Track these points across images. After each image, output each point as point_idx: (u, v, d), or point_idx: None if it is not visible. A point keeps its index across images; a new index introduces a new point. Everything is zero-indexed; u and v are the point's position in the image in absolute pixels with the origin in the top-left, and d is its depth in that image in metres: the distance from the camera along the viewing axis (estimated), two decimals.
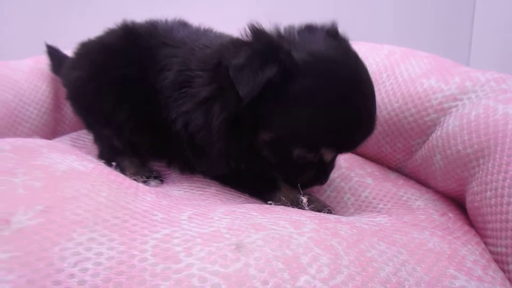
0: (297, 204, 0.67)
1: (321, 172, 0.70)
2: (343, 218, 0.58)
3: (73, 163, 0.59)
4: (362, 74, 0.64)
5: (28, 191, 0.48)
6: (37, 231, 0.42)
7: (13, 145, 0.61)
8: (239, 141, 0.66)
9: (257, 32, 0.64)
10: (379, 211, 0.72)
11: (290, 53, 0.60)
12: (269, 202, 0.69)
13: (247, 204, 0.64)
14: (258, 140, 0.66)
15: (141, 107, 0.79)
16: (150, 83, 0.75)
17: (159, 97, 0.74)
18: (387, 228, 0.56)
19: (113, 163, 0.81)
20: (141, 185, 0.62)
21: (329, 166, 0.71)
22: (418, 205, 0.74)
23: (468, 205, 0.69)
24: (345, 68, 0.63)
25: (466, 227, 0.67)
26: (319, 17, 0.72)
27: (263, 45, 0.61)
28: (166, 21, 0.86)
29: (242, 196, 0.75)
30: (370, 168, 0.87)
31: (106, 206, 0.48)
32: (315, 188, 0.80)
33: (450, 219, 0.69)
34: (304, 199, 0.65)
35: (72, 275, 0.37)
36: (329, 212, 0.68)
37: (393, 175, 0.87)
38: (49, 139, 1.04)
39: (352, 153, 0.95)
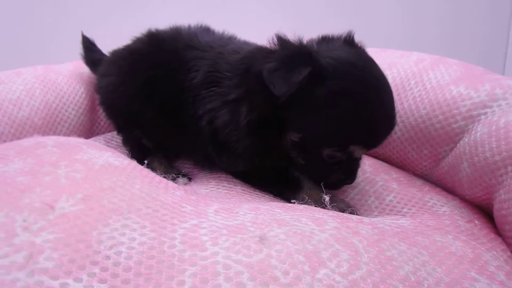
0: (320, 204, 0.69)
1: (348, 171, 0.73)
2: (365, 219, 0.59)
3: (109, 159, 0.63)
4: (381, 77, 0.70)
5: (70, 181, 0.52)
6: (78, 216, 0.46)
7: (56, 141, 0.66)
8: (265, 140, 0.69)
9: (283, 41, 0.71)
10: (403, 215, 0.73)
11: (318, 57, 0.64)
12: (293, 201, 0.71)
13: (271, 202, 0.66)
14: (286, 141, 0.69)
15: (166, 105, 0.84)
16: (176, 83, 0.81)
17: (186, 95, 0.79)
18: (409, 230, 0.57)
19: (145, 161, 0.86)
20: (170, 182, 0.65)
21: (356, 164, 0.74)
22: (444, 211, 0.73)
23: (496, 213, 0.69)
24: (367, 71, 0.68)
25: (492, 235, 0.66)
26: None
27: (293, 51, 0.67)
28: (189, 26, 0.92)
29: (267, 196, 0.77)
30: (396, 174, 0.88)
31: (139, 197, 0.52)
32: (340, 191, 0.81)
33: (476, 226, 0.68)
34: (327, 198, 0.67)
35: (108, 257, 0.41)
36: (352, 212, 0.70)
37: (419, 182, 0.86)
38: (85, 138, 1.10)
39: (378, 159, 0.95)
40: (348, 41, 0.73)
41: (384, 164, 0.93)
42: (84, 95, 1.12)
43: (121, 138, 1.01)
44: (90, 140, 0.77)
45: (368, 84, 0.66)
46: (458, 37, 1.91)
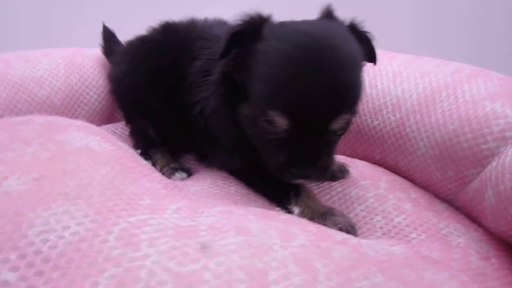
0: (319, 215, 0.64)
1: (292, 153, 0.61)
2: (352, 240, 0.52)
3: (91, 143, 0.60)
4: (328, 48, 0.58)
5: (32, 160, 0.50)
6: (22, 196, 0.43)
7: (46, 120, 0.65)
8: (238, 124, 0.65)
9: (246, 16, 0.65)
10: (409, 241, 0.64)
11: (263, 21, 0.62)
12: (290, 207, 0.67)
13: (256, 208, 0.61)
14: (240, 116, 0.64)
15: (171, 94, 0.81)
16: (180, 72, 0.78)
17: (186, 84, 0.76)
18: (397, 260, 0.49)
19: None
20: (155, 175, 0.62)
21: (304, 146, 0.60)
22: (458, 243, 0.64)
23: None
24: (314, 39, 0.59)
25: (511, 278, 0.56)
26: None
27: (245, 21, 0.63)
28: (206, 19, 0.89)
29: (261, 200, 0.71)
30: (415, 194, 0.78)
31: (99, 183, 0.49)
32: (344, 205, 0.73)
33: (492, 265, 0.58)
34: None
35: (31, 243, 0.38)
36: (349, 231, 0.62)
37: (440, 206, 0.76)
38: (105, 124, 1.11)
39: (400, 175, 0.86)
40: (325, 13, 0.67)
41: (405, 182, 0.83)
42: (107, 80, 1.12)
43: (129, 128, 0.99)
44: (89, 124, 0.75)
45: (306, 49, 0.57)
46: (484, 43, 1.71)
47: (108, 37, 1.15)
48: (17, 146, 0.53)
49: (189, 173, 0.84)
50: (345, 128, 0.63)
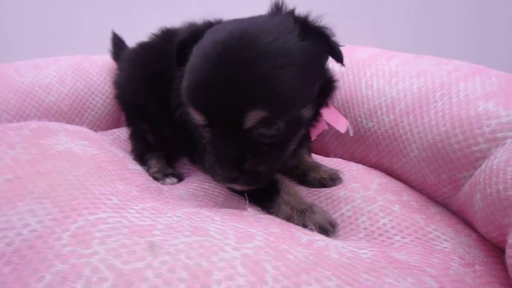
0: (298, 213, 0.64)
1: (214, 151, 0.60)
2: (319, 243, 0.51)
3: (75, 147, 0.63)
4: (239, 43, 0.58)
5: (12, 162, 0.53)
6: None
7: (37, 125, 0.69)
8: None
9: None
10: (392, 243, 0.62)
11: (207, 26, 0.66)
12: (271, 211, 0.66)
13: (231, 209, 0.61)
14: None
15: (166, 99, 0.82)
16: (174, 75, 0.78)
17: (175, 87, 0.77)
18: (361, 264, 0.47)
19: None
20: (138, 179, 0.64)
21: (226, 147, 0.59)
22: (444, 247, 0.61)
23: (507, 260, 0.55)
24: (229, 34, 0.59)
25: (494, 286, 0.53)
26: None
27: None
28: (209, 21, 0.88)
29: (243, 202, 0.71)
30: (408, 196, 0.76)
31: (69, 183, 0.51)
32: (330, 206, 0.72)
33: (475, 272, 0.55)
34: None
35: None
36: (327, 230, 0.61)
37: (434, 209, 0.73)
38: (111, 128, 1.15)
39: (397, 179, 0.83)
40: (274, 8, 0.67)
41: (399, 184, 0.81)
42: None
43: (129, 131, 1.02)
44: (83, 129, 0.78)
45: (217, 45, 0.58)
46: (485, 41, 1.61)
47: (117, 43, 1.19)
48: (1, 149, 0.56)
49: (180, 179, 0.86)
50: (271, 131, 0.59)
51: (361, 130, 0.88)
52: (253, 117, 0.56)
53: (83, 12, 1.58)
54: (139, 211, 0.49)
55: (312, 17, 0.65)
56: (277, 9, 0.67)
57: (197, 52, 0.61)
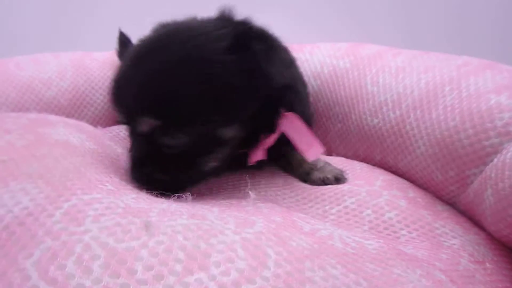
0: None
1: (131, 155, 0.62)
2: (323, 232, 0.49)
3: (73, 139, 0.62)
4: (146, 50, 0.61)
5: (6, 145, 0.52)
6: None
7: (37, 116, 0.68)
8: None
9: None
10: (398, 237, 0.60)
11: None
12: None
13: (227, 201, 0.59)
14: None
15: None
16: None
17: None
18: (367, 254, 0.45)
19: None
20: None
21: (135, 147, 0.62)
22: (452, 244, 0.59)
23: None
24: (148, 40, 0.63)
25: (506, 284, 0.51)
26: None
27: None
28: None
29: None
30: (414, 193, 0.73)
31: (64, 168, 0.49)
32: (333, 198, 0.69)
33: (486, 269, 0.53)
34: None
35: None
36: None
37: (441, 207, 0.71)
38: (110, 125, 1.13)
39: (402, 177, 0.81)
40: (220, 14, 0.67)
41: (404, 182, 0.79)
42: None
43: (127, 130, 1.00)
44: (81, 123, 0.77)
45: (133, 51, 0.62)
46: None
47: (124, 41, 1.17)
48: None
49: None
50: (171, 142, 0.58)
51: (366, 127, 0.86)
52: (146, 123, 0.57)
53: (84, 9, 1.58)
54: (134, 198, 0.47)
55: (257, 28, 0.62)
56: (221, 14, 0.65)
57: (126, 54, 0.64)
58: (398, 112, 0.79)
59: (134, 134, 0.61)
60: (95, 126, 1.02)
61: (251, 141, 0.67)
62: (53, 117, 0.70)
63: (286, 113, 0.68)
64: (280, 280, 0.36)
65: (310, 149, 0.70)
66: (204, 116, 0.57)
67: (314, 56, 1.06)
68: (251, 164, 0.69)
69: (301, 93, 0.78)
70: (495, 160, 0.60)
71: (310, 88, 1.02)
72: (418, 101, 0.77)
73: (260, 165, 0.74)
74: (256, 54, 0.57)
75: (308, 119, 0.75)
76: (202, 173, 0.64)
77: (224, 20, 0.63)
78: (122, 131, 1.06)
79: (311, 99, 0.96)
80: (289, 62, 0.69)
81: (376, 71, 0.87)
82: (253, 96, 0.60)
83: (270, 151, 0.71)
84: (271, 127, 0.67)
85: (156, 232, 0.38)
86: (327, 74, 0.96)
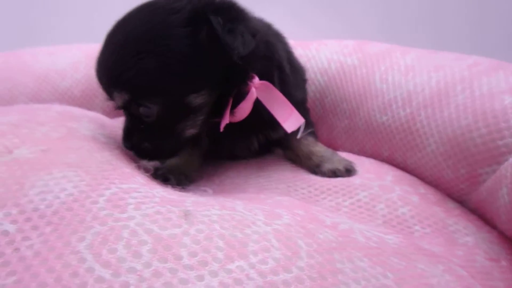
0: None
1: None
2: (343, 225, 0.51)
3: (98, 135, 0.65)
4: (119, 28, 0.65)
5: (43, 137, 0.54)
6: (28, 162, 0.46)
7: (63, 109, 0.70)
8: None
9: None
10: (412, 233, 0.62)
11: None
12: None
13: (248, 194, 0.62)
14: None
15: None
16: None
17: None
18: (389, 248, 0.48)
19: None
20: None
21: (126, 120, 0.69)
22: (466, 241, 0.61)
23: None
24: (124, 18, 0.65)
25: None
26: None
27: None
28: None
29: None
30: (425, 190, 0.76)
31: (99, 160, 0.52)
32: (346, 190, 0.71)
33: (501, 267, 0.55)
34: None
35: (31, 201, 0.40)
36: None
37: (451, 204, 0.73)
38: (119, 117, 1.15)
39: (409, 173, 0.83)
40: None
41: (414, 178, 0.81)
42: None
43: None
44: (100, 116, 0.80)
45: (112, 28, 0.65)
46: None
47: None
48: (32, 125, 0.57)
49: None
50: (145, 112, 0.63)
51: (374, 124, 0.88)
52: (118, 98, 0.63)
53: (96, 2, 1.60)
54: (164, 190, 0.49)
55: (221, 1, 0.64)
56: None
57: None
58: (408, 110, 0.81)
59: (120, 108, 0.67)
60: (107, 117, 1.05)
61: (223, 108, 0.69)
62: (76, 111, 0.73)
63: (260, 81, 0.69)
64: (314, 270, 0.39)
65: (288, 119, 0.71)
66: (166, 86, 0.62)
67: (321, 53, 1.08)
68: (222, 131, 0.70)
69: (285, 70, 0.78)
70: (511, 159, 0.62)
71: (316, 84, 1.04)
72: (429, 99, 0.79)
73: (261, 153, 0.83)
74: (213, 26, 0.60)
75: (297, 103, 0.75)
76: (183, 140, 0.69)
77: None
78: None
79: (317, 95, 0.98)
80: (261, 34, 0.68)
81: (385, 69, 0.89)
82: (214, 65, 0.64)
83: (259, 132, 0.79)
84: (242, 94, 0.69)
85: (195, 221, 0.40)
86: (334, 70, 0.97)
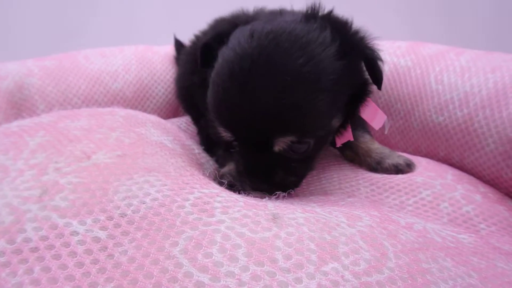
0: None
1: (250, 169, 0.62)
2: (417, 225, 0.51)
3: (165, 140, 0.65)
4: (257, 68, 0.55)
5: (117, 142, 0.55)
6: (108, 167, 0.47)
7: (127, 113, 0.71)
8: None
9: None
10: (477, 231, 0.61)
11: (234, 26, 0.63)
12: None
13: (319, 197, 0.62)
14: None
15: None
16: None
17: None
18: (466, 248, 0.47)
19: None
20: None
21: (254, 161, 0.61)
22: None
23: None
24: (256, 48, 0.56)
25: None
26: None
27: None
28: (259, 10, 0.84)
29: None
30: (484, 188, 0.74)
31: (174, 165, 0.53)
32: (409, 189, 0.70)
33: None
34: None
35: (117, 207, 0.41)
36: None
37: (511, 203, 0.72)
38: (170, 117, 1.17)
39: (466, 173, 0.82)
40: (310, 14, 0.63)
41: (473, 178, 0.80)
42: (174, 76, 1.19)
43: (196, 129, 1.00)
44: (163, 120, 0.80)
45: (243, 61, 0.55)
46: None
47: (179, 48, 1.20)
48: (104, 131, 0.58)
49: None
50: (305, 149, 0.60)
51: (430, 124, 0.87)
52: (281, 142, 0.57)
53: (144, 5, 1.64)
54: (242, 195, 0.50)
55: (352, 25, 0.64)
56: (312, 13, 0.63)
57: (222, 62, 0.59)
58: (465, 111, 0.80)
59: (245, 147, 0.61)
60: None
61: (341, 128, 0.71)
62: (139, 115, 0.73)
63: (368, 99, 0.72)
64: (404, 271, 0.38)
65: (375, 118, 0.73)
66: (328, 119, 0.61)
67: None
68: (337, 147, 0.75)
69: None
70: None
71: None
72: (487, 100, 0.77)
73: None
74: (373, 65, 0.62)
75: None
76: (313, 165, 0.69)
77: (314, 18, 0.62)
78: (182, 124, 1.10)
79: (371, 96, 0.98)
80: None
81: (439, 70, 0.88)
82: (354, 87, 0.65)
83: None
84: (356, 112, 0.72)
85: (284, 224, 0.41)
86: (388, 72, 0.97)
